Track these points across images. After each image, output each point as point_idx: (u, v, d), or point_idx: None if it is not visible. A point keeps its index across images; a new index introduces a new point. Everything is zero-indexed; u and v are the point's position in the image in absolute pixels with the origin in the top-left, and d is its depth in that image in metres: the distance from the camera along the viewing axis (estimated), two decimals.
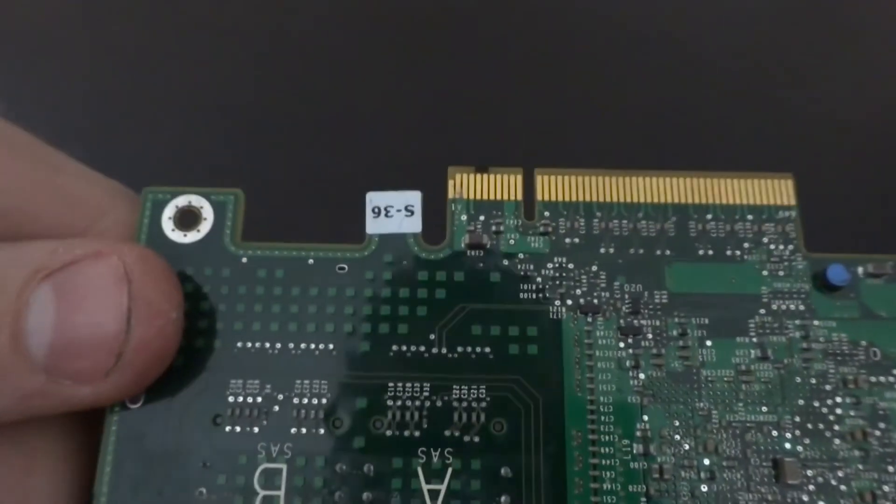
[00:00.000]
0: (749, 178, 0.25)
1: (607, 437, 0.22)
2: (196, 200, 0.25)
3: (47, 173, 0.22)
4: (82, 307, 0.20)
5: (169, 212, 0.25)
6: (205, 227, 0.25)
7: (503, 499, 0.22)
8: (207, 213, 0.25)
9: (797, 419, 0.23)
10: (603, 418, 0.23)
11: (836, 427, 0.23)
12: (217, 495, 0.22)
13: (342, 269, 0.24)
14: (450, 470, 0.22)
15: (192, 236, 0.25)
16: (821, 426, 0.23)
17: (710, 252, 0.25)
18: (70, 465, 0.22)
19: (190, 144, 0.38)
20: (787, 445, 0.23)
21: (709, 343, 0.24)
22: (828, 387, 0.23)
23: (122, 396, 0.22)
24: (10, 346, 0.19)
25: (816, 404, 0.23)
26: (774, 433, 0.23)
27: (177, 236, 0.25)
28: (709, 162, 0.26)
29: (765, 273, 0.24)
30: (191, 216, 0.25)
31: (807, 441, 0.23)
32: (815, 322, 0.24)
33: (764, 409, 0.23)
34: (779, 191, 0.25)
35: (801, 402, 0.23)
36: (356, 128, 0.38)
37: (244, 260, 0.24)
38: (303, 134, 0.38)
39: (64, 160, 0.23)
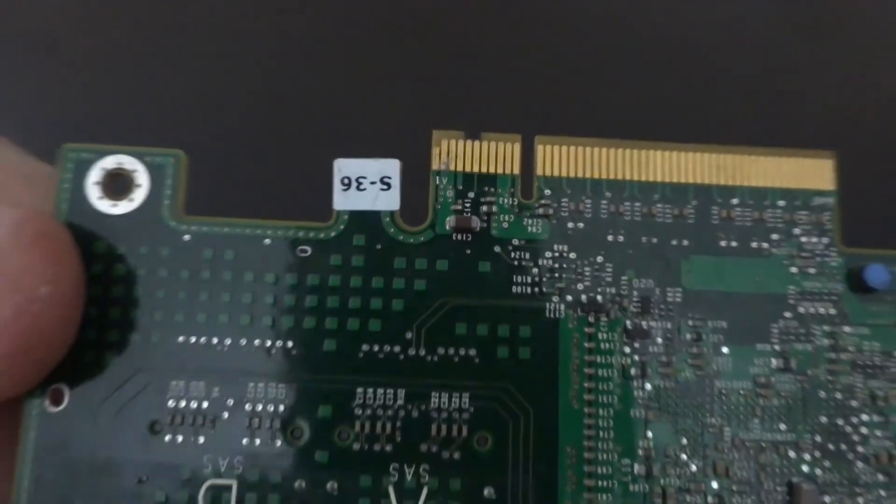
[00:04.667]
0: (785, 155, 0.22)
1: (605, 456, 0.20)
2: (128, 162, 0.21)
3: None
4: None
5: (95, 175, 0.21)
6: (139, 195, 0.21)
7: None
8: (142, 178, 0.21)
9: (818, 439, 0.20)
10: (601, 434, 0.20)
11: (860, 448, 0.20)
12: None
13: (304, 251, 0.21)
14: (425, 490, 0.19)
15: (123, 206, 0.21)
16: (843, 447, 0.20)
17: (734, 243, 0.21)
18: None
19: (125, 99, 0.32)
20: (805, 468, 0.20)
21: (725, 350, 0.21)
22: (854, 403, 0.21)
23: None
24: None
25: (840, 422, 0.20)
26: (792, 454, 0.20)
27: (105, 206, 0.21)
28: (736, 137, 0.22)
29: (793, 270, 0.21)
30: (122, 182, 0.21)
31: (827, 464, 0.20)
32: (846, 328, 0.21)
33: (782, 426, 0.20)
34: (817, 173, 0.22)
35: (823, 419, 0.20)
36: (325, 83, 0.32)
37: (186, 237, 0.20)
38: (260, 87, 0.32)
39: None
